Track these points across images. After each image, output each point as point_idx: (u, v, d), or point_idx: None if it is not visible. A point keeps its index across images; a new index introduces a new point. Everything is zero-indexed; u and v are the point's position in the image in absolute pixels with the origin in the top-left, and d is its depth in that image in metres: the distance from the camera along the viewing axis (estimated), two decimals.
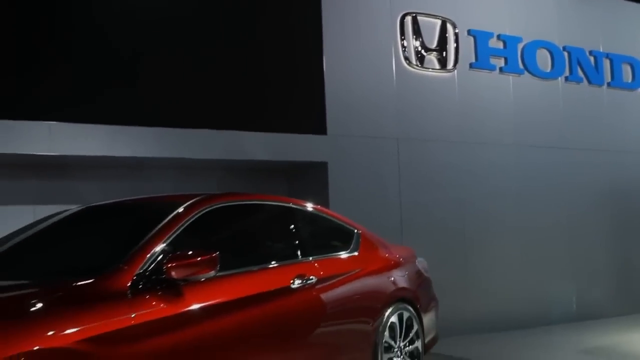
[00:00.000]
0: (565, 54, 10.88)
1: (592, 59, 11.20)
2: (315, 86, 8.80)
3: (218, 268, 3.34)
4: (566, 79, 10.84)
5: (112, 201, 4.54)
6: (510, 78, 10.30)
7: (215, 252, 3.31)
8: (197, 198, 3.90)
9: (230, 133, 8.16)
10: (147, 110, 7.79)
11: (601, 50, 11.32)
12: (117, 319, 2.92)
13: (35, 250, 4.09)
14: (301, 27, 8.85)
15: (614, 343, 8.32)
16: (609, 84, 11.34)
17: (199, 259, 3.23)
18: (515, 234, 10.05)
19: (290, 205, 4.65)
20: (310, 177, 9.14)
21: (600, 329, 9.48)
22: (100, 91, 7.60)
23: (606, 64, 11.37)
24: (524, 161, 10.19)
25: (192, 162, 8.35)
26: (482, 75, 10.07)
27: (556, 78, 10.76)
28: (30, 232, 4.22)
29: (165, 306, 3.14)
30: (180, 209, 3.69)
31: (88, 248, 3.95)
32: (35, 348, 2.57)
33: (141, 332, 2.99)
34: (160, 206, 4.01)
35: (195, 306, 3.31)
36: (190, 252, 3.24)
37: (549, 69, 10.69)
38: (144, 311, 3.04)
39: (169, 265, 3.17)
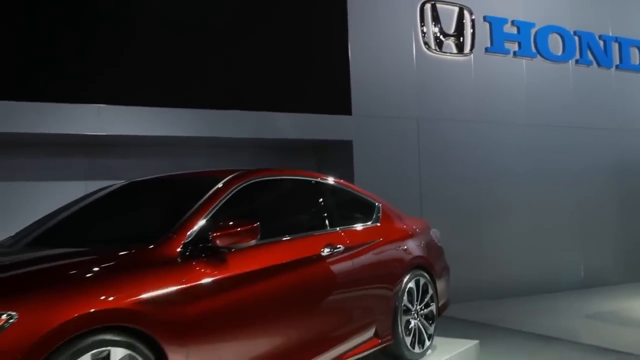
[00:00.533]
0: (576, 38, 10.91)
1: (601, 42, 11.21)
2: (341, 70, 8.91)
3: (259, 237, 3.36)
4: (576, 61, 10.89)
5: (155, 176, 4.54)
6: (524, 61, 10.38)
7: (256, 223, 3.33)
8: (236, 173, 3.89)
9: (262, 114, 8.29)
10: (186, 93, 7.96)
11: (610, 35, 11.32)
12: (169, 282, 2.95)
13: (88, 222, 4.11)
14: (328, 16, 8.96)
15: (619, 309, 8.36)
16: (617, 67, 11.35)
17: (241, 228, 3.26)
18: (527, 208, 10.13)
19: (319, 180, 4.64)
20: (337, 154, 9.26)
21: (606, 295, 9.53)
22: (143, 76, 7.79)
23: (615, 47, 11.38)
24: (535, 139, 10.27)
25: (227, 141, 8.48)
26: (496, 59, 10.15)
27: (567, 61, 10.81)
28: (81, 205, 4.26)
29: (210, 271, 3.16)
30: (221, 184, 3.69)
31: (137, 219, 4.01)
32: (93, 310, 2.57)
33: (190, 294, 3.01)
34: (202, 181, 3.97)
35: (237, 272, 3.33)
36: (233, 223, 3.27)
37: (560, 53, 10.74)
38: (192, 276, 3.07)
39: (215, 234, 3.20)
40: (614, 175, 11.12)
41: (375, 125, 9.03)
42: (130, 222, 3.99)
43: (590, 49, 11.05)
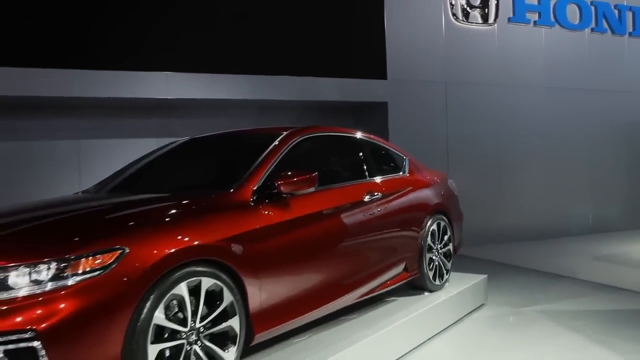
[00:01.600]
0: (592, 8, 10.77)
1: (616, 12, 11.03)
2: (378, 39, 9.01)
3: (316, 185, 3.43)
4: (592, 30, 10.76)
5: (219, 132, 4.53)
6: (543, 30, 10.32)
7: (315, 173, 3.38)
8: (291, 130, 3.90)
9: (307, 79, 8.43)
10: (240, 60, 8.14)
11: (625, 4, 11.13)
12: (245, 222, 3.03)
13: (161, 172, 4.17)
14: None
15: (624, 252, 8.37)
16: (630, 34, 11.16)
17: (303, 177, 3.30)
18: (543, 162, 10.22)
19: (358, 136, 4.63)
20: (373, 114, 9.39)
21: (613, 240, 9.55)
22: (203, 46, 8.01)
23: (629, 16, 11.17)
24: (552, 101, 10.28)
25: (274, 103, 8.61)
26: (518, 28, 10.11)
27: (583, 29, 10.69)
28: (153, 158, 4.30)
29: (276, 214, 3.24)
30: (280, 138, 3.72)
31: (207, 170, 4.07)
32: (187, 246, 2.66)
33: (262, 233, 3.09)
34: (262, 136, 3.99)
35: (298, 214, 3.39)
36: (296, 172, 3.31)
37: (577, 22, 10.63)
38: (263, 217, 3.15)
39: (280, 182, 3.25)
40: (624, 134, 11.07)
41: (407, 88, 9.13)
42: (200, 172, 4.08)
43: (605, 17, 10.89)
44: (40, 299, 2.23)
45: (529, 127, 10.13)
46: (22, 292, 2.24)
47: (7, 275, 2.27)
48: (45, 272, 2.29)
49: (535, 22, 10.22)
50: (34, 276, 2.28)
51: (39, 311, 2.20)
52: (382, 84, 8.97)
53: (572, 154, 10.54)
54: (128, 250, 2.44)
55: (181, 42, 7.93)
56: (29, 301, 2.22)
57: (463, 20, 9.62)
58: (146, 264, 2.45)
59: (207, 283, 2.69)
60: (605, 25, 10.93)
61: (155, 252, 2.51)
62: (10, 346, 2.17)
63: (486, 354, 3.93)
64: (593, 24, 10.80)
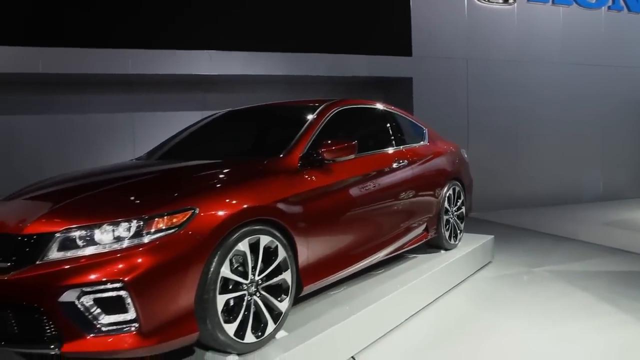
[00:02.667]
0: None
1: None
2: (403, 18, 8.91)
3: (356, 152, 3.44)
4: (609, 8, 10.41)
5: (261, 104, 4.50)
6: (561, 9, 10.03)
7: (355, 141, 3.38)
8: (328, 102, 3.88)
9: (337, 56, 8.43)
10: (276, 39, 8.15)
11: None
12: (294, 185, 3.05)
13: (211, 141, 4.12)
14: None
15: (633, 218, 8.27)
16: None
17: (344, 145, 3.30)
18: (557, 133, 10.07)
19: (383, 108, 4.60)
20: (398, 89, 9.36)
21: (623, 207, 9.45)
22: (242, 26, 8.04)
23: None
24: (568, 75, 10.06)
25: (306, 78, 8.60)
26: (537, 7, 9.86)
27: (600, 8, 10.36)
28: (199, 128, 4.27)
29: (320, 178, 3.26)
30: (319, 110, 3.71)
31: (254, 139, 4.07)
32: (248, 206, 2.67)
33: (308, 196, 3.11)
34: (303, 108, 3.95)
35: (339, 178, 3.42)
36: (338, 141, 3.32)
37: (594, 0, 10.29)
38: (309, 181, 3.17)
39: (324, 149, 3.26)
40: (636, 108, 10.79)
41: (431, 65, 9.05)
42: (245, 140, 4.08)
43: None
44: (125, 253, 2.29)
45: (544, 100, 9.94)
46: (109, 248, 2.32)
47: (95, 232, 2.35)
48: (127, 229, 2.36)
49: (553, 1, 9.95)
50: (118, 233, 2.35)
51: (124, 264, 2.27)
52: (407, 61, 8.91)
53: (585, 126, 10.34)
54: (198, 211, 2.48)
55: (222, 23, 7.97)
56: (115, 255, 2.29)
57: (485, 0, 9.41)
58: (214, 222, 2.49)
59: (264, 240, 2.73)
60: (621, 3, 10.55)
61: (221, 212, 2.55)
62: (100, 295, 2.26)
63: (502, 307, 3.98)
64: (610, 2, 10.44)
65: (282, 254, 2.83)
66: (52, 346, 2.28)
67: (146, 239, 2.35)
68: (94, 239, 2.34)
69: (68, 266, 2.27)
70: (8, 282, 2.30)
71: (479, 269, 5.16)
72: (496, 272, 5.06)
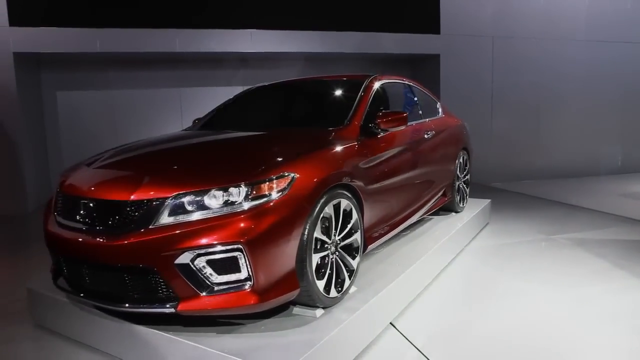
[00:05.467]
0: None
1: None
2: None
3: (407, 124, 3.45)
4: None
5: (309, 77, 4.43)
6: None
7: (406, 113, 3.38)
8: (372, 76, 3.85)
9: (369, 34, 8.40)
10: (311, 18, 8.15)
11: None
12: (359, 153, 3.07)
13: (265, 112, 4.08)
14: None
15: None
16: None
17: (398, 116, 3.30)
18: (578, 108, 9.88)
19: (410, 83, 4.60)
20: (427, 65, 9.30)
21: (639, 180, 9.26)
22: (281, 6, 8.04)
23: None
24: (592, 52, 9.80)
25: (340, 55, 8.61)
26: None
27: None
28: (251, 99, 4.20)
29: (378, 146, 3.30)
30: (366, 84, 3.67)
31: (309, 109, 3.98)
32: (334, 172, 2.70)
33: (371, 161, 3.15)
34: (348, 82, 3.93)
35: (392, 146, 3.49)
36: (392, 112, 3.33)
37: None
38: (370, 149, 3.19)
39: (380, 120, 3.27)
40: None
41: (458, 42, 8.95)
42: (299, 111, 4.02)
43: None
44: (238, 217, 2.28)
45: (567, 76, 9.73)
46: (220, 212, 2.30)
47: (204, 197, 2.33)
48: (237, 194, 2.34)
49: None
50: (227, 198, 2.33)
51: (239, 227, 2.25)
52: (435, 39, 8.82)
53: (606, 102, 10.09)
54: (297, 176, 2.48)
55: (261, 2, 7.96)
56: (229, 219, 2.27)
57: None
58: (310, 187, 2.51)
59: (344, 204, 2.78)
60: None
61: (314, 177, 2.56)
62: (215, 256, 2.26)
63: (521, 271, 4.05)
64: None
65: (355, 216, 2.88)
66: (168, 305, 2.32)
67: (255, 203, 2.34)
68: (204, 203, 2.32)
69: (182, 230, 2.26)
70: (122, 246, 2.31)
71: (480, 231, 5.33)
72: (516, 239, 5.10)
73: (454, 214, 5.11)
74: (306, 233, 2.48)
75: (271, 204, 2.36)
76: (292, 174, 2.48)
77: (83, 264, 2.53)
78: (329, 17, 8.25)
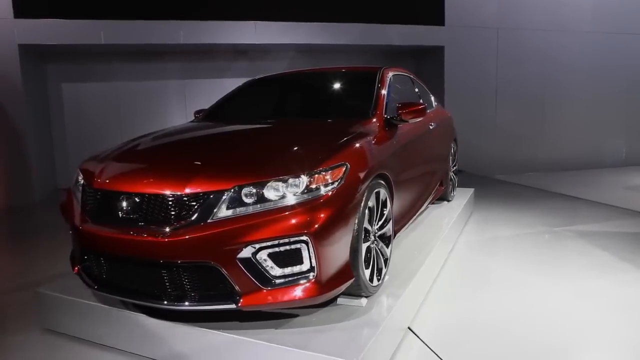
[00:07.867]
0: None
1: None
2: None
3: (425, 114, 3.40)
4: None
5: (321, 68, 4.31)
6: None
7: (424, 104, 3.35)
8: (384, 68, 3.79)
9: (373, 25, 8.32)
10: (316, 9, 8.06)
11: None
12: (390, 144, 3.08)
13: (280, 103, 4.03)
14: None
15: None
16: None
17: (418, 107, 3.26)
18: (583, 100, 9.76)
19: (410, 75, 4.55)
20: (432, 57, 9.21)
21: None
22: None
23: None
24: (597, 44, 9.67)
25: (344, 47, 8.55)
26: None
27: None
28: (260, 91, 4.12)
29: (401, 135, 3.32)
30: (380, 76, 3.61)
31: (324, 100, 3.86)
32: (378, 162, 2.73)
33: (398, 153, 3.17)
34: (363, 73, 3.86)
35: (412, 136, 3.55)
36: (412, 103, 3.29)
37: None
38: (395, 138, 3.20)
39: (402, 111, 3.23)
40: None
41: (463, 34, 8.86)
42: (316, 103, 3.87)
43: None
44: (300, 208, 2.20)
45: (572, 68, 9.61)
46: (280, 204, 2.22)
47: (263, 190, 2.24)
48: (296, 185, 2.26)
49: None
50: (286, 190, 2.25)
51: (302, 219, 2.18)
52: (440, 30, 8.73)
53: (610, 94, 9.96)
54: (349, 166, 2.44)
55: None
56: (290, 211, 2.19)
57: None
58: (360, 177, 2.48)
59: (382, 194, 2.79)
60: None
61: (363, 167, 2.54)
62: (277, 249, 2.18)
63: (524, 263, 4.00)
64: None
65: (388, 205, 2.88)
66: (230, 301, 2.22)
67: (316, 194, 2.27)
68: (263, 195, 2.23)
69: (244, 223, 2.16)
70: (181, 242, 2.18)
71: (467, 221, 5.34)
72: (519, 231, 5.04)
73: (445, 202, 5.18)
74: (357, 223, 2.44)
75: (330, 194, 2.31)
76: (345, 164, 2.43)
77: (128, 262, 2.38)
78: (333, 9, 8.17)
